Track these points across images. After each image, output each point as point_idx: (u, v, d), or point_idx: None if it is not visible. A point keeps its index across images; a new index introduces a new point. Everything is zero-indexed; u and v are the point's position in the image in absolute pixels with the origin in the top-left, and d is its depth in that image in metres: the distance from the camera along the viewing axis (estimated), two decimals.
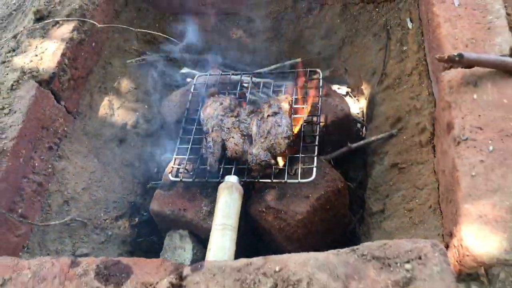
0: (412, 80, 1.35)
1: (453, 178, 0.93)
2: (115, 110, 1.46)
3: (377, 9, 1.50)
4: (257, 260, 0.87)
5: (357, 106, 1.62)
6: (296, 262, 0.84)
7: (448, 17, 1.16)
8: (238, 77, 1.38)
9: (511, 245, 0.79)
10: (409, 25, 1.41)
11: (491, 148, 0.93)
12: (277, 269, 0.84)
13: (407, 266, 0.81)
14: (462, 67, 1.07)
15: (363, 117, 1.58)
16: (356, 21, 1.54)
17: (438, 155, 1.10)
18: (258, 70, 1.44)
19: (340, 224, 1.30)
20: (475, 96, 1.01)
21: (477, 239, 0.82)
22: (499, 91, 1.00)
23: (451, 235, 0.91)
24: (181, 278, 0.88)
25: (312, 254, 0.86)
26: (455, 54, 1.01)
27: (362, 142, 1.35)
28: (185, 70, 1.52)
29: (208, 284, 0.85)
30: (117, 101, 1.48)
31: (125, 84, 1.53)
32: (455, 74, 1.06)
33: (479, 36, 1.11)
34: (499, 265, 0.79)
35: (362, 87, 1.57)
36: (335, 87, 1.66)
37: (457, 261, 0.85)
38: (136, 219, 1.34)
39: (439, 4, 1.19)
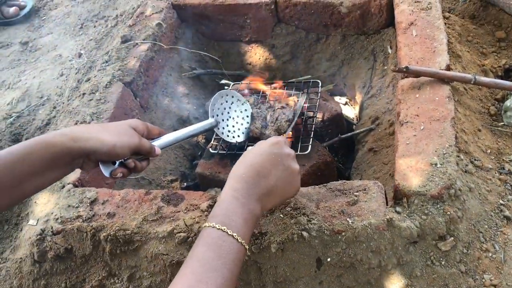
0: (388, 90, 1.76)
1: (395, 147, 1.35)
2: (172, 108, 1.94)
3: (367, 39, 1.93)
4: None
5: (352, 112, 2.04)
6: None
7: (407, 43, 1.58)
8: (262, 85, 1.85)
9: (423, 184, 1.19)
10: (389, 50, 1.84)
11: (422, 127, 1.33)
12: None
13: (356, 193, 1.21)
14: (413, 77, 1.49)
15: (357, 120, 2.00)
16: (352, 48, 1.97)
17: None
18: (277, 82, 1.88)
19: None
20: (417, 95, 1.42)
21: (404, 181, 1.21)
22: (434, 92, 1.41)
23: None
24: (215, 202, 1.32)
25: None
26: (403, 66, 1.44)
27: (349, 134, 1.76)
28: (223, 81, 1.99)
29: None
30: (174, 102, 1.96)
31: (180, 90, 2.01)
32: (406, 81, 1.48)
33: (427, 56, 1.52)
34: (415, 195, 1.17)
35: (356, 97, 2.00)
36: (336, 98, 2.10)
37: (393, 195, 1.25)
38: (185, 183, 1.80)
39: (402, 34, 1.62)
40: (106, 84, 1.71)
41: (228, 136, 1.51)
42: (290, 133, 1.57)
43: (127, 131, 1.09)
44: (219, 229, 0.87)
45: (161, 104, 1.89)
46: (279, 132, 1.55)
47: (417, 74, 1.43)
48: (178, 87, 1.98)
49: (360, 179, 1.62)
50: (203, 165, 1.65)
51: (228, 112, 1.52)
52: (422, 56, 1.52)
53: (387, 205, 1.19)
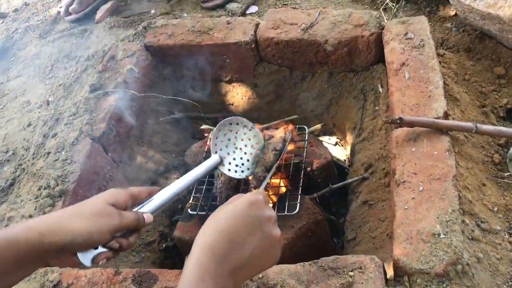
0: (381, 134, 1.63)
1: (392, 212, 1.21)
2: (149, 159, 1.80)
3: (356, 77, 1.79)
4: None
5: (344, 154, 1.91)
6: (274, 272, 1.12)
7: (399, 87, 1.45)
8: None
9: (426, 260, 1.05)
10: (380, 89, 1.71)
11: (421, 188, 1.20)
12: (260, 276, 1.12)
13: (351, 273, 1.08)
14: (407, 126, 1.36)
15: (348, 162, 1.87)
16: (340, 86, 1.83)
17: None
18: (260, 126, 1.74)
19: (325, 248, 1.57)
20: (413, 149, 1.29)
21: (404, 256, 1.08)
22: (432, 145, 1.28)
23: None
24: None
25: (285, 266, 1.14)
26: (397, 117, 1.31)
27: (340, 183, 1.63)
28: (203, 126, 1.86)
29: None
30: (151, 151, 1.82)
31: (158, 138, 1.87)
32: (401, 131, 1.35)
33: (422, 102, 1.39)
34: (417, 273, 1.04)
35: (347, 138, 1.87)
36: (326, 138, 1.97)
37: (393, 271, 1.12)
38: (164, 245, 1.65)
39: (394, 77, 1.49)
40: (73, 141, 1.57)
41: (236, 172, 1.31)
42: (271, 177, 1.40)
43: (104, 210, 0.93)
44: None
45: (135, 156, 1.75)
46: (266, 166, 1.38)
47: (412, 124, 1.30)
48: (154, 135, 1.84)
49: (355, 237, 1.49)
50: (182, 228, 1.51)
51: (235, 143, 1.31)
52: (416, 102, 1.39)
53: (386, 284, 1.06)
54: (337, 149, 1.92)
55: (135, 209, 1.03)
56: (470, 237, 1.14)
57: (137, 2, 2.46)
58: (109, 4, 2.40)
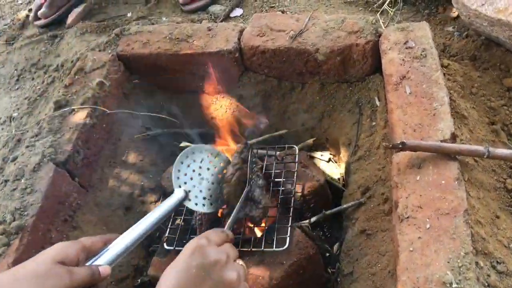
0: (379, 152, 1.48)
1: (395, 251, 1.06)
2: (123, 181, 1.64)
3: (350, 88, 1.64)
4: None
5: (338, 172, 1.76)
6: None
7: (400, 104, 1.30)
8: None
9: None
10: (377, 103, 1.56)
11: (428, 226, 1.05)
12: None
13: None
14: (410, 150, 1.21)
15: (343, 180, 1.71)
16: (333, 98, 1.68)
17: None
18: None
19: (319, 281, 1.42)
20: (418, 177, 1.14)
21: None
22: (439, 173, 1.13)
23: None
24: None
25: None
26: (399, 142, 1.16)
27: (335, 209, 1.47)
28: (183, 144, 1.69)
29: None
30: (125, 173, 1.65)
31: (132, 157, 1.70)
32: (403, 157, 1.20)
33: (425, 122, 1.24)
34: None
35: (341, 154, 1.72)
36: (318, 154, 1.82)
37: None
38: (139, 280, 1.49)
39: (393, 91, 1.34)
40: (34, 167, 1.41)
41: (204, 205, 1.19)
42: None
43: (50, 271, 0.82)
44: None
45: (107, 179, 1.59)
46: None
47: (416, 149, 1.15)
48: (129, 154, 1.67)
49: (352, 272, 1.34)
50: (157, 265, 1.35)
51: (200, 174, 1.21)
52: (420, 122, 1.24)
53: None
54: (331, 166, 1.77)
55: (89, 262, 0.89)
56: (486, 284, 0.99)
57: (112, 5, 2.29)
58: (82, 8, 2.23)
